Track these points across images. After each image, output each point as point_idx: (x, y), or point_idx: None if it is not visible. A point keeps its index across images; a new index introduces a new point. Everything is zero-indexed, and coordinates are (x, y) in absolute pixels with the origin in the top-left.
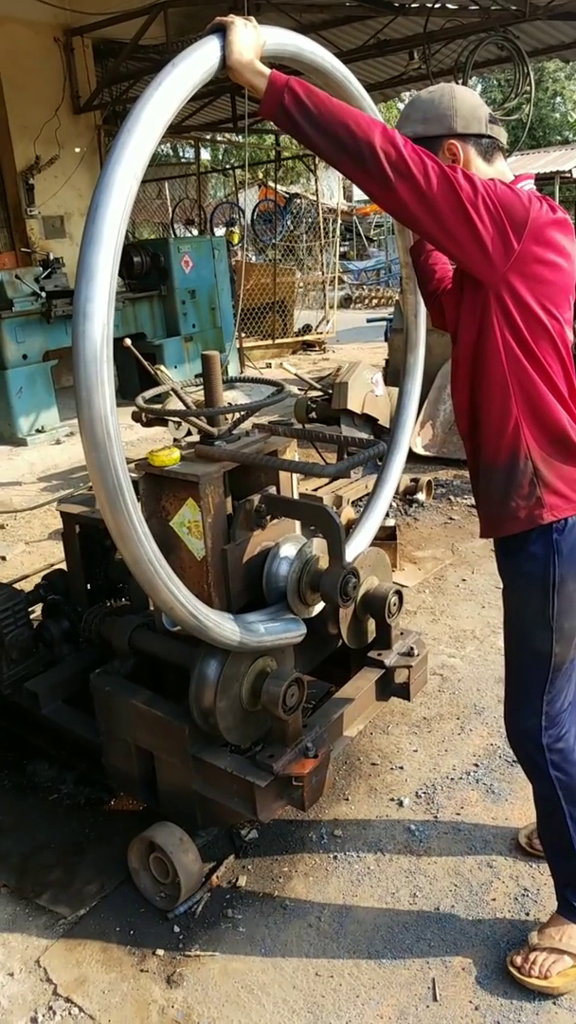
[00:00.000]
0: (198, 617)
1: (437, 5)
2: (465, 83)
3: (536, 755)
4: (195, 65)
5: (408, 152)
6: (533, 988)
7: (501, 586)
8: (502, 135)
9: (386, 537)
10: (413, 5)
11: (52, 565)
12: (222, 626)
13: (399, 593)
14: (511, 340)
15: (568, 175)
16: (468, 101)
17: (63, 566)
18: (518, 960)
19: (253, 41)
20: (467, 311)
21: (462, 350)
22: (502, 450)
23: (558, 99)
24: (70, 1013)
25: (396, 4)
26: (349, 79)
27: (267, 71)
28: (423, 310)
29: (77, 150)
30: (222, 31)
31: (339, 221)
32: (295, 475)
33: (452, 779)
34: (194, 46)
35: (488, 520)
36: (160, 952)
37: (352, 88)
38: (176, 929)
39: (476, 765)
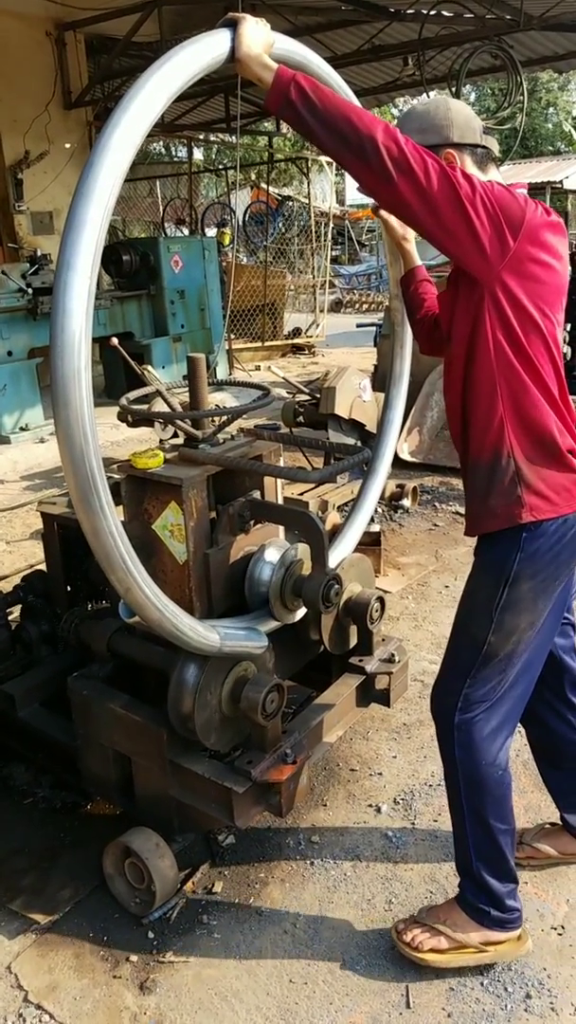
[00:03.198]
0: (157, 606)
1: (432, 12)
2: (459, 91)
3: (446, 731)
4: (205, 49)
5: (409, 149)
6: (403, 954)
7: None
8: (494, 146)
9: (371, 543)
10: (408, 11)
11: (32, 566)
12: (179, 618)
13: (381, 599)
14: (502, 339)
15: (559, 185)
16: (463, 113)
17: (43, 567)
18: (400, 926)
19: (263, 37)
20: (461, 310)
21: (455, 349)
22: (486, 448)
23: (551, 109)
24: (41, 1020)
25: (391, 10)
26: (351, 97)
27: (274, 65)
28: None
29: (67, 146)
30: (233, 25)
31: (331, 225)
32: (280, 480)
33: (431, 785)
34: (206, 33)
35: (471, 518)
36: (134, 958)
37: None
38: (150, 935)
39: None
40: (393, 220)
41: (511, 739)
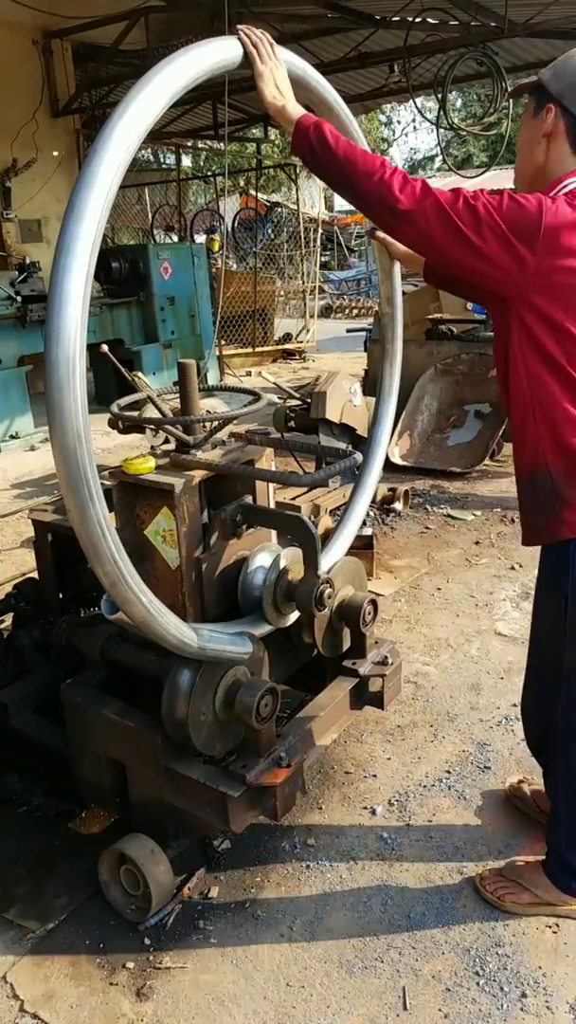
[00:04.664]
0: (143, 601)
1: (417, 19)
2: (445, 97)
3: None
4: (211, 53)
5: (408, 196)
6: (485, 899)
7: (474, 595)
8: None
9: (363, 546)
10: (394, 19)
11: (24, 574)
12: (164, 616)
13: (374, 603)
14: (533, 358)
15: None
16: None
17: (35, 575)
18: (485, 878)
19: (285, 82)
20: (497, 331)
21: (498, 368)
22: (524, 464)
23: None
24: None
25: (377, 17)
26: (349, 120)
27: (296, 114)
28: (400, 322)
29: (55, 154)
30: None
31: (320, 231)
32: (272, 484)
33: (425, 786)
34: (218, 39)
35: (523, 530)
36: (130, 965)
37: (343, 118)
38: (146, 942)
39: (448, 772)
40: (397, 247)
41: None
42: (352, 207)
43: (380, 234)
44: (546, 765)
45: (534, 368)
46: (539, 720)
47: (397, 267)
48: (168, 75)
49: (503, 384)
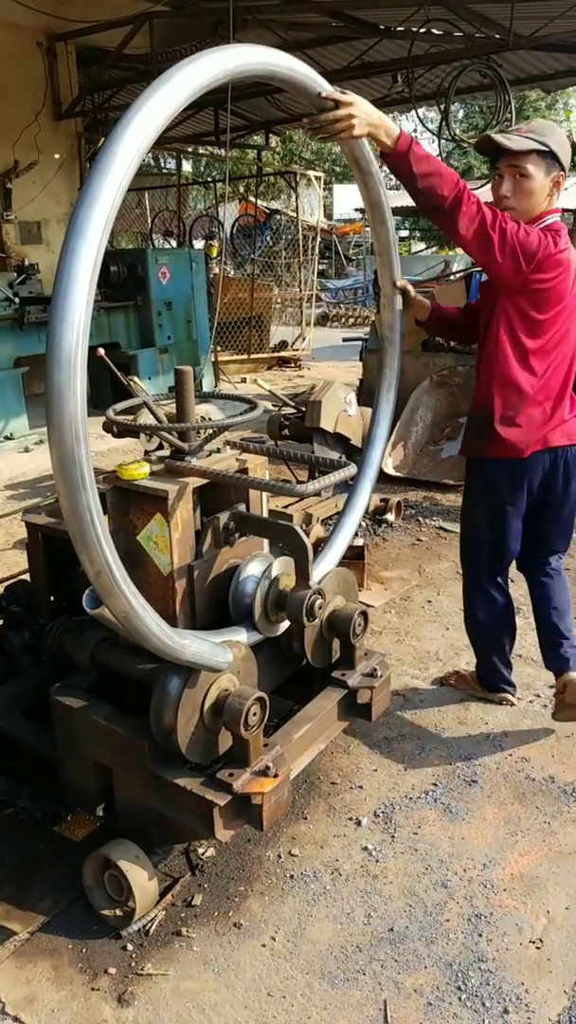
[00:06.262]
0: (127, 595)
1: (422, 30)
2: (447, 108)
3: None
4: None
5: (471, 210)
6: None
7: (463, 608)
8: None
9: (354, 556)
10: (398, 29)
11: (15, 575)
12: (147, 612)
13: (364, 614)
14: (503, 333)
15: None
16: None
17: (26, 576)
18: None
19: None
20: (485, 310)
21: (479, 335)
22: (476, 403)
23: None
24: None
25: (381, 27)
26: None
27: (396, 130)
28: (399, 333)
29: (57, 156)
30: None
31: (318, 239)
32: (265, 493)
33: (411, 799)
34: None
35: (463, 444)
36: (112, 970)
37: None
38: (129, 947)
39: (435, 785)
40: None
41: None
42: (350, 215)
43: (413, 296)
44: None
45: (503, 338)
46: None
47: (398, 296)
48: (187, 74)
49: (481, 348)
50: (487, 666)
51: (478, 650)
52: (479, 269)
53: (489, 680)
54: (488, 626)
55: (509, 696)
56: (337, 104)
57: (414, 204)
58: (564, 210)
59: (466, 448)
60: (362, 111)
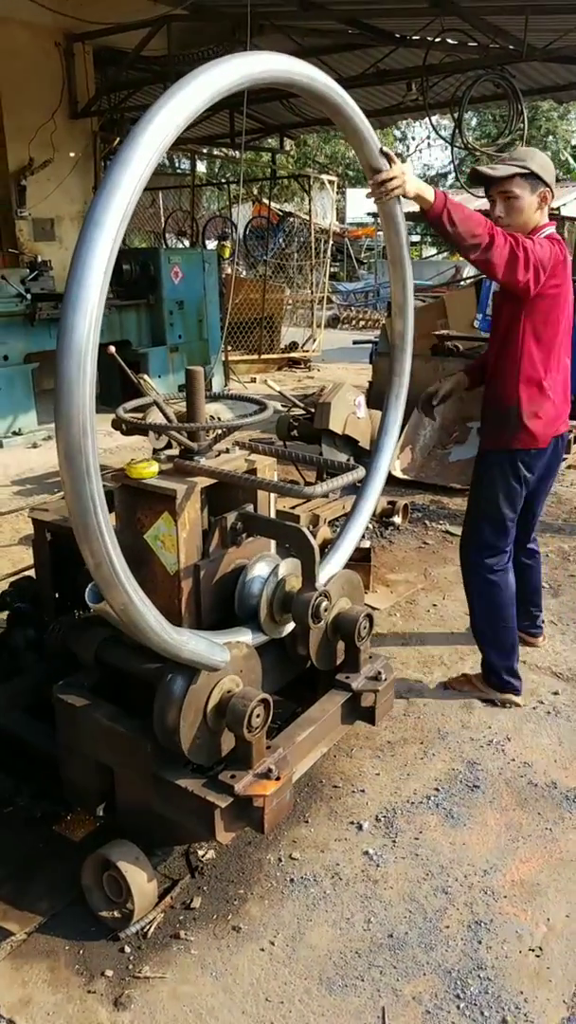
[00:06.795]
0: (127, 588)
1: (437, 39)
2: (461, 117)
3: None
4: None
5: (500, 242)
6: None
7: (469, 612)
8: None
9: (361, 558)
10: (414, 38)
11: (20, 571)
12: (147, 607)
13: (370, 616)
14: (528, 335)
15: (556, 212)
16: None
17: (31, 572)
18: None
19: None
20: (504, 316)
21: (495, 338)
22: (499, 398)
23: (550, 138)
24: None
25: (397, 36)
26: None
27: (431, 195)
28: (408, 343)
29: (72, 155)
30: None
31: (330, 242)
32: (273, 493)
33: (412, 803)
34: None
35: (485, 439)
36: (109, 973)
37: (364, 131)
38: (127, 950)
39: (437, 790)
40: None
41: None
42: (363, 219)
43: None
44: (464, 579)
45: (528, 341)
46: (462, 546)
47: (411, 306)
48: (202, 83)
49: (496, 349)
50: (497, 656)
51: (486, 640)
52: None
53: (497, 675)
54: (499, 607)
55: (515, 697)
56: (390, 163)
57: (457, 249)
58: (565, 218)
59: (491, 442)
60: (409, 173)
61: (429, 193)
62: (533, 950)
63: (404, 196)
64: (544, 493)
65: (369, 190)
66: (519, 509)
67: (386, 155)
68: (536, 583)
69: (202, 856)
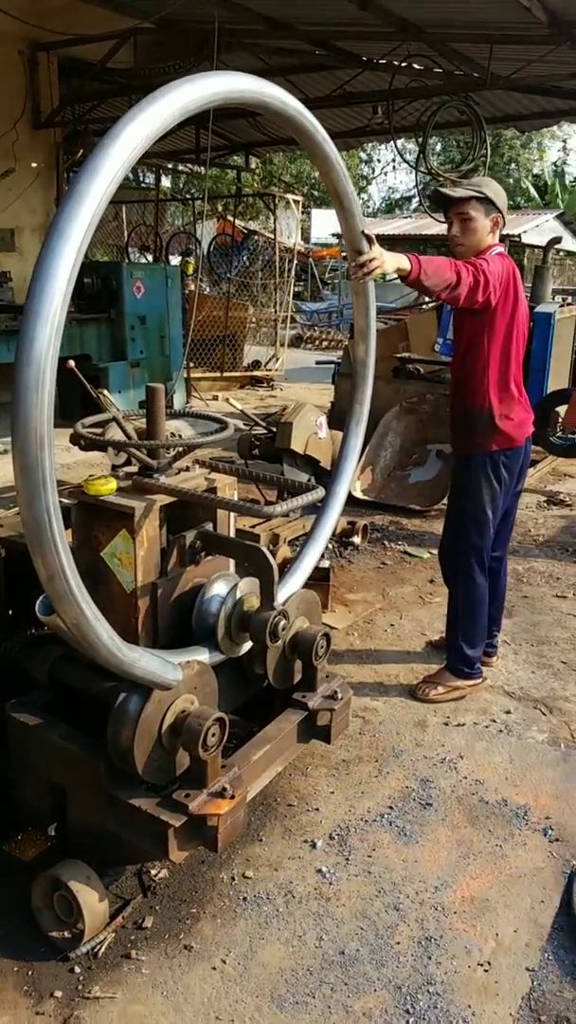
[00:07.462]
0: (80, 601)
1: (403, 64)
2: (425, 142)
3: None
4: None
5: (465, 277)
6: (423, 701)
7: (426, 633)
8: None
9: (320, 578)
10: (380, 61)
11: None
12: (99, 621)
13: (327, 636)
14: (494, 343)
15: (517, 239)
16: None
17: None
18: (419, 689)
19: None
20: (467, 328)
21: (458, 349)
22: (469, 404)
23: (512, 165)
24: None
25: (364, 59)
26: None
27: (407, 265)
28: (372, 360)
29: (34, 165)
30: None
31: (295, 261)
32: (233, 512)
33: (366, 821)
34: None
35: (457, 445)
36: (58, 994)
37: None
38: (76, 970)
39: (390, 808)
40: None
41: None
42: (328, 240)
43: None
44: (447, 581)
45: (495, 350)
46: (447, 553)
47: (373, 332)
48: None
49: (460, 360)
50: (470, 648)
51: (463, 634)
52: None
53: (469, 664)
54: (482, 602)
55: (481, 682)
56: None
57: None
58: (526, 245)
59: (467, 448)
60: (385, 253)
61: (405, 263)
62: (482, 964)
63: (384, 273)
64: (517, 496)
65: (348, 266)
66: (499, 513)
67: (367, 237)
68: (501, 591)
69: (155, 875)
